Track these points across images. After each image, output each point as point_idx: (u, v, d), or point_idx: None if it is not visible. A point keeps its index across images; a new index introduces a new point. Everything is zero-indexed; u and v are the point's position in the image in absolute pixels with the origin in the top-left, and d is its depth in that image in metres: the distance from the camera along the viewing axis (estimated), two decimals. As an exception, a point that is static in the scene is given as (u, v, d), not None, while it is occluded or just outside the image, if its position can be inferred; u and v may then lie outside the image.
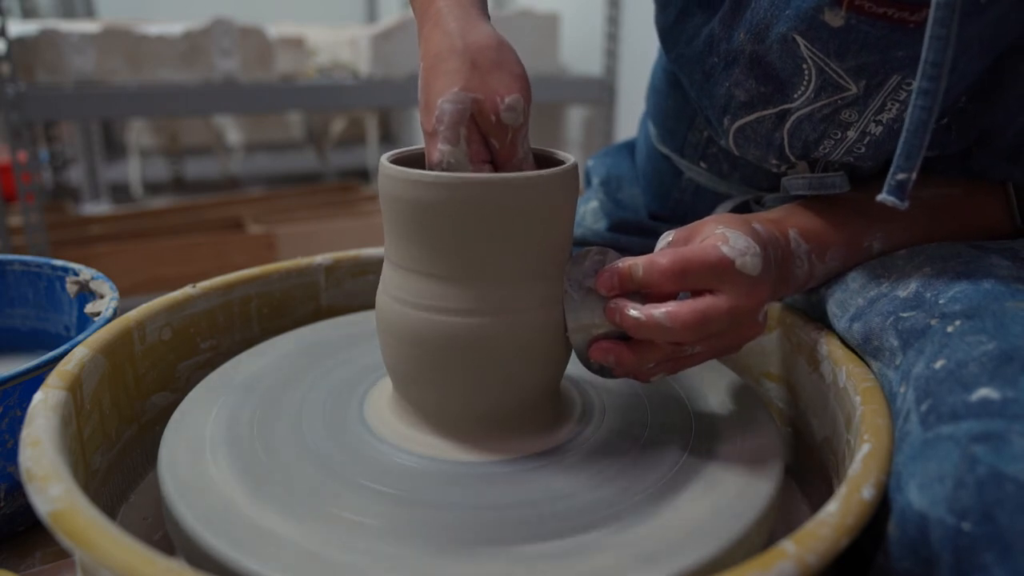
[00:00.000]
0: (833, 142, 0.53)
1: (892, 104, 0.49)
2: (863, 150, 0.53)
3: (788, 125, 0.54)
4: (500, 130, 0.45)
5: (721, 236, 0.45)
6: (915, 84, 0.43)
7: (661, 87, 0.71)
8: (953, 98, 0.50)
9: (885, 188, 0.46)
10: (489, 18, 0.50)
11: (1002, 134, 0.52)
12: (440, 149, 0.44)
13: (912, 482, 0.37)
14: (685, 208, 0.72)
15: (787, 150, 0.56)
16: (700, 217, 0.71)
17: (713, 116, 0.59)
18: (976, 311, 0.43)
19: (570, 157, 0.48)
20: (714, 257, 0.43)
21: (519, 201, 0.44)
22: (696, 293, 0.44)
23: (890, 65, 0.47)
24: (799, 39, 0.48)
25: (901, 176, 0.45)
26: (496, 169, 0.47)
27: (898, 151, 0.45)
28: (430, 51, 0.46)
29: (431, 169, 0.45)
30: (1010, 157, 0.53)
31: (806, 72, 0.50)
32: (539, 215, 0.45)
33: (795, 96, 0.52)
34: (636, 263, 0.45)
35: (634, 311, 0.44)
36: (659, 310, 0.43)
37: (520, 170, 0.47)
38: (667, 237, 0.49)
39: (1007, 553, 0.32)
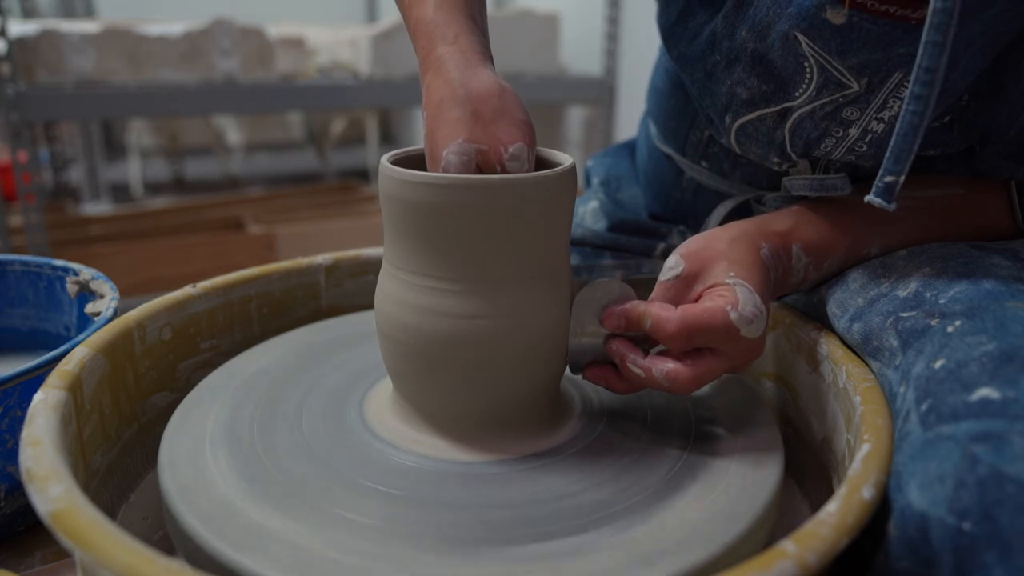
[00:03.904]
0: (835, 140, 0.53)
1: (894, 102, 0.49)
2: (865, 148, 0.53)
3: (790, 123, 0.54)
4: None
5: (731, 295, 0.45)
6: (908, 89, 0.43)
7: (662, 86, 0.71)
8: (955, 96, 0.50)
9: (873, 190, 0.46)
10: (492, 61, 0.50)
11: (1004, 132, 0.52)
12: None
13: (912, 482, 0.37)
14: (686, 208, 0.72)
15: (789, 148, 0.56)
16: (700, 217, 0.70)
17: (715, 114, 0.59)
18: (976, 311, 0.43)
19: (568, 158, 0.49)
20: (721, 323, 0.44)
21: (518, 202, 0.44)
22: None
23: (892, 62, 0.47)
24: (801, 37, 0.48)
25: (889, 179, 0.46)
26: None
27: (888, 154, 0.45)
28: (432, 99, 0.46)
29: None
30: (1014, 155, 0.53)
31: (808, 70, 0.50)
32: (538, 216, 0.45)
33: (797, 94, 0.52)
34: (646, 314, 0.45)
35: (635, 368, 0.46)
36: (659, 370, 0.45)
37: None
38: (675, 269, 0.48)
39: (1008, 553, 0.32)
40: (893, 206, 0.46)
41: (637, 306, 0.46)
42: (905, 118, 0.44)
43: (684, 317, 0.44)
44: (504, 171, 0.45)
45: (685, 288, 0.48)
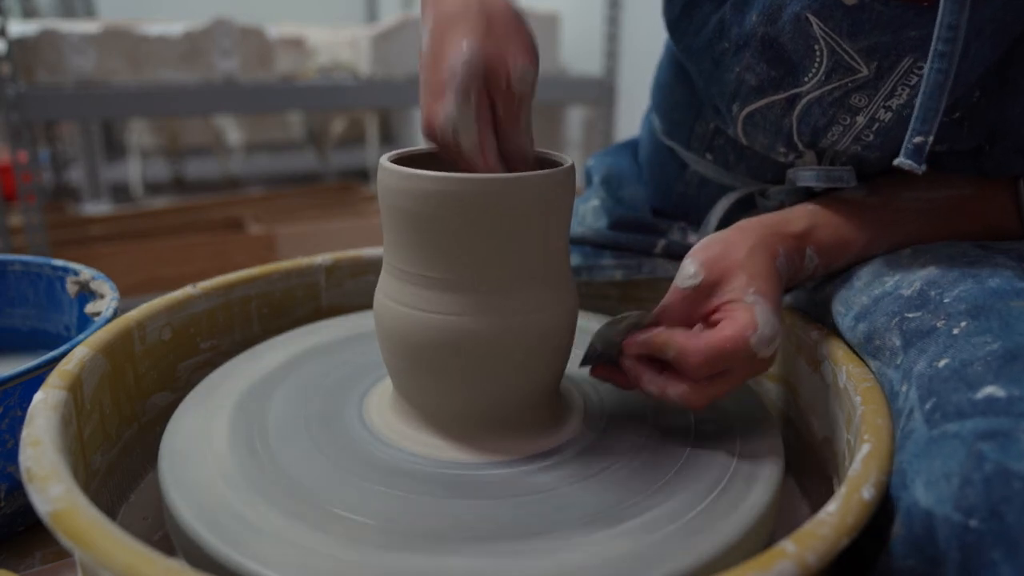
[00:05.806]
0: (842, 128, 0.54)
1: (902, 89, 0.50)
2: (871, 137, 0.53)
3: (797, 110, 0.54)
4: (508, 96, 0.44)
5: (749, 318, 0.44)
6: (932, 47, 0.43)
7: (667, 81, 0.71)
8: (966, 87, 0.50)
9: (903, 152, 0.47)
10: None
11: (1013, 128, 0.52)
12: (446, 108, 0.43)
13: (918, 480, 0.37)
14: (689, 202, 0.72)
15: (795, 137, 0.56)
16: (703, 211, 0.70)
17: (722, 104, 0.59)
18: (981, 310, 0.43)
19: (567, 159, 0.49)
20: (743, 350, 0.44)
21: (518, 200, 0.44)
22: None
23: (902, 46, 0.47)
24: (812, 18, 0.49)
25: (918, 139, 0.46)
26: (497, 138, 0.46)
27: (915, 114, 0.46)
28: (443, 12, 0.45)
29: (431, 133, 0.45)
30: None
31: (818, 53, 0.50)
32: (537, 215, 0.45)
33: (806, 79, 0.52)
34: (669, 344, 0.45)
35: (651, 386, 0.46)
36: (674, 391, 0.45)
37: (520, 146, 0.47)
38: (694, 279, 0.47)
39: (1015, 550, 0.32)
40: (923, 168, 0.46)
41: (660, 334, 0.46)
42: (930, 76, 0.44)
43: (708, 350, 0.43)
44: (510, 88, 0.44)
45: (702, 299, 0.47)
